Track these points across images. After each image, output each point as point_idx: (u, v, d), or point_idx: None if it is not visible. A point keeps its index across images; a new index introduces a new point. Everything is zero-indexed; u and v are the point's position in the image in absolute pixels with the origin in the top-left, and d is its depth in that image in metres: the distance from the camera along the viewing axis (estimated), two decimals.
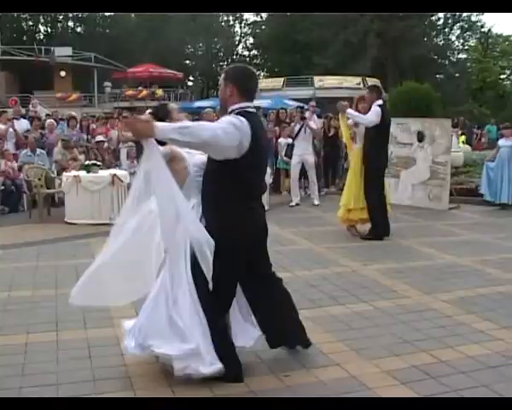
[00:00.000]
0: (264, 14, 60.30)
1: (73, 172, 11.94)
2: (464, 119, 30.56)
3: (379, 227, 10.09)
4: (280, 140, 15.30)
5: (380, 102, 10.10)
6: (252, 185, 4.62)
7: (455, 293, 6.94)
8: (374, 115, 10.11)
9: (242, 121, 4.40)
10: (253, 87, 4.71)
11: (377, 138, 10.04)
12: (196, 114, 18.44)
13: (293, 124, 14.83)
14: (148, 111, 5.04)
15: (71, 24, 59.65)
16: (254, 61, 63.39)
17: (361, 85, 40.28)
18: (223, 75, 4.71)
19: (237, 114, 4.50)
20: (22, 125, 16.00)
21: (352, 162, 10.55)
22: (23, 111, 19.32)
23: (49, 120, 16.44)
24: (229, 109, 4.59)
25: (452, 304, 6.49)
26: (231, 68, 4.82)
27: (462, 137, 25.64)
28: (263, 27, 61.15)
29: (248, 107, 4.59)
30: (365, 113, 10.05)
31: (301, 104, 21.16)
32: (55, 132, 15.48)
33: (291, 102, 28.79)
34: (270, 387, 4.50)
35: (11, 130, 14.93)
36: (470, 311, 6.24)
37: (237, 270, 4.63)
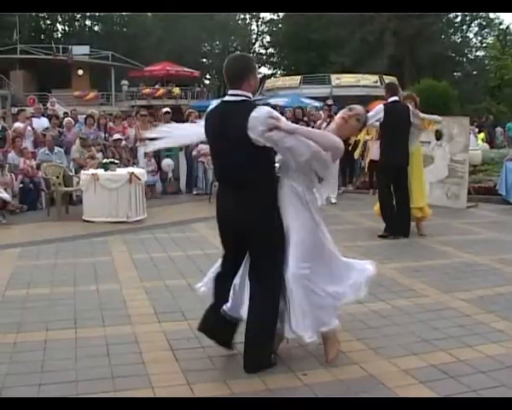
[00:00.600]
0: (280, 13, 60.30)
1: (91, 171, 11.99)
2: (493, 118, 30.44)
3: (392, 226, 10.03)
4: None
5: (392, 99, 10.07)
6: (215, 170, 5.10)
7: (473, 292, 6.89)
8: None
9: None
10: (228, 73, 4.68)
11: (384, 136, 10.04)
12: None
13: (319, 122, 14.86)
14: None
15: (88, 23, 59.99)
16: (271, 59, 63.48)
17: (378, 83, 40.20)
18: None
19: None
20: (42, 123, 16.08)
21: None
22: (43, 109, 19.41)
23: (66, 119, 16.55)
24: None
25: (471, 303, 6.45)
26: None
27: (482, 135, 25.47)
28: (279, 26, 61.15)
29: (227, 95, 4.72)
30: None
31: (318, 103, 21.14)
32: (73, 131, 15.57)
33: (308, 101, 28.76)
34: (288, 385, 4.50)
35: (29, 128, 15.03)
36: (489, 310, 6.20)
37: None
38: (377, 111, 9.95)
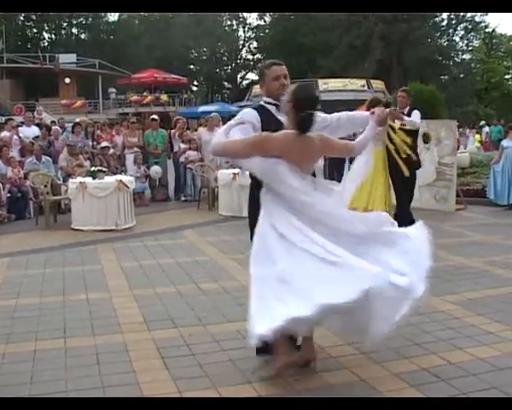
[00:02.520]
0: (267, 18, 60.37)
1: (79, 179, 11.96)
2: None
3: None
4: None
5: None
6: None
7: (463, 294, 6.90)
8: None
9: None
10: None
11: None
12: (201, 119, 18.48)
13: None
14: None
15: (75, 31, 59.82)
16: (258, 64, 63.43)
17: (365, 87, 40.27)
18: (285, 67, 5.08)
19: None
20: (34, 131, 15.99)
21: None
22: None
23: (54, 127, 16.45)
24: None
25: (461, 306, 6.46)
26: None
27: (478, 137, 25.61)
28: (266, 31, 61.20)
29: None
30: None
31: None
32: (60, 139, 15.50)
33: None
34: (278, 392, 4.48)
35: (16, 137, 14.95)
36: (479, 312, 6.21)
37: None
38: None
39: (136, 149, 15.81)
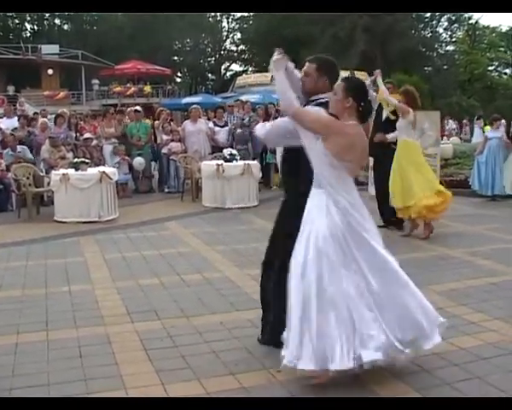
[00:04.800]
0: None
1: (62, 171, 11.87)
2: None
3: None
4: None
5: None
6: None
7: (446, 285, 6.93)
8: None
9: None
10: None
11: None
12: (185, 111, 18.43)
13: None
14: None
15: (58, 21, 59.31)
16: (242, 56, 63.30)
17: None
18: (314, 65, 4.82)
19: (320, 104, 4.63)
20: (13, 123, 15.81)
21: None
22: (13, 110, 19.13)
23: (42, 120, 16.16)
24: (314, 98, 4.74)
25: (444, 296, 6.47)
26: (324, 60, 4.92)
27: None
28: (250, 22, 61.00)
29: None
30: None
31: None
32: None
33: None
34: (262, 383, 4.47)
35: None
36: (462, 303, 6.23)
37: None
38: None
39: (113, 139, 15.69)
